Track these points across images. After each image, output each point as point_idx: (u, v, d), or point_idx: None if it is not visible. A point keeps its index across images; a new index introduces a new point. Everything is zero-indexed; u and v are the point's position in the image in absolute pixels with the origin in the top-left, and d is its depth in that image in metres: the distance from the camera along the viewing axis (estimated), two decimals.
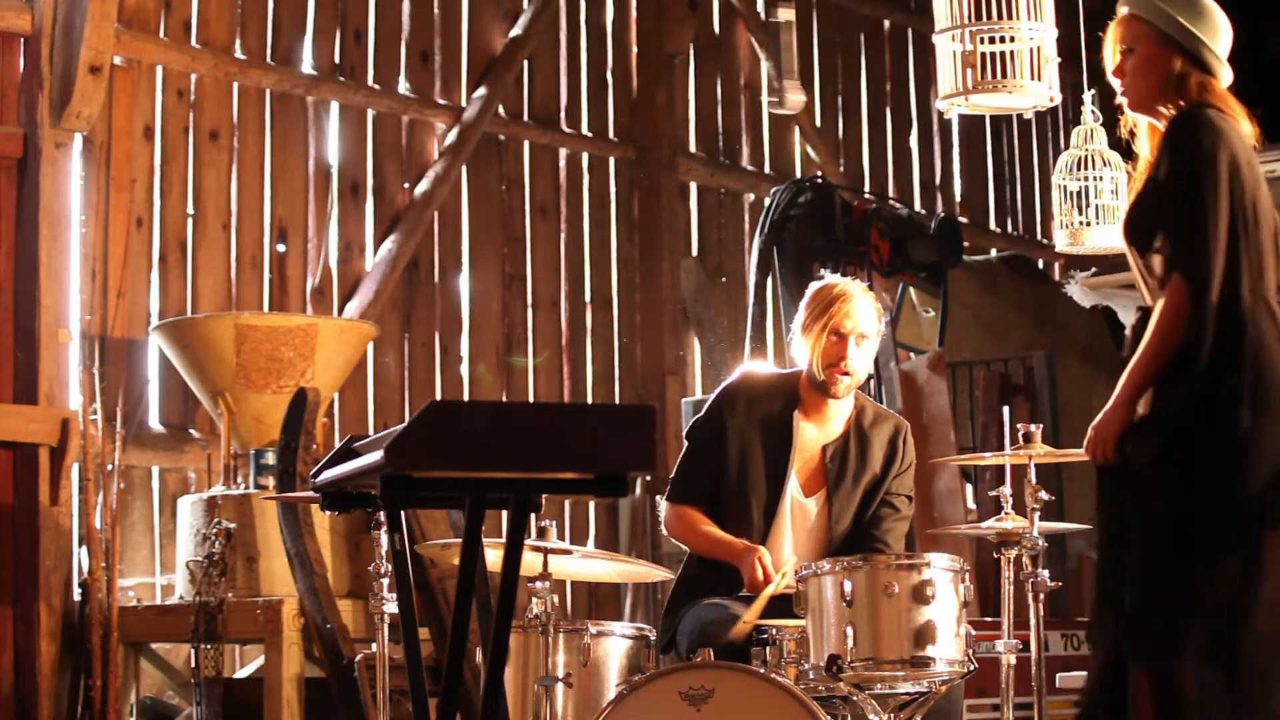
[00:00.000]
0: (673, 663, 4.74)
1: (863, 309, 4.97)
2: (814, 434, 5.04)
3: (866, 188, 10.67)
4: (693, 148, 10.04)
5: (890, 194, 10.82)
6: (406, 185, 8.75)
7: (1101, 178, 6.93)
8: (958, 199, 11.69)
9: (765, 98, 10.03)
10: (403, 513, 3.79)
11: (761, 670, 4.36)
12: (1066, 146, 7.26)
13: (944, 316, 9.08)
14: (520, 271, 9.18)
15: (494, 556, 4.28)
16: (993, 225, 11.87)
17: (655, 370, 9.52)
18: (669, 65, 9.80)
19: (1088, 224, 6.96)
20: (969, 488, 9.03)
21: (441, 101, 8.91)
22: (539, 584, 4.45)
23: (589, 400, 9.34)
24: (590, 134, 9.59)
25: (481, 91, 9.01)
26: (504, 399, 8.92)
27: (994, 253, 11.51)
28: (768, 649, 4.52)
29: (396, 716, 6.03)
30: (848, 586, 4.40)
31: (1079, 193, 6.97)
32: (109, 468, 6.88)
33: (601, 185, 9.63)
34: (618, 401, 9.46)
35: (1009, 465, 5.01)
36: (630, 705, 4.31)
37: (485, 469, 3.30)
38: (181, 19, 7.90)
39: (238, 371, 6.99)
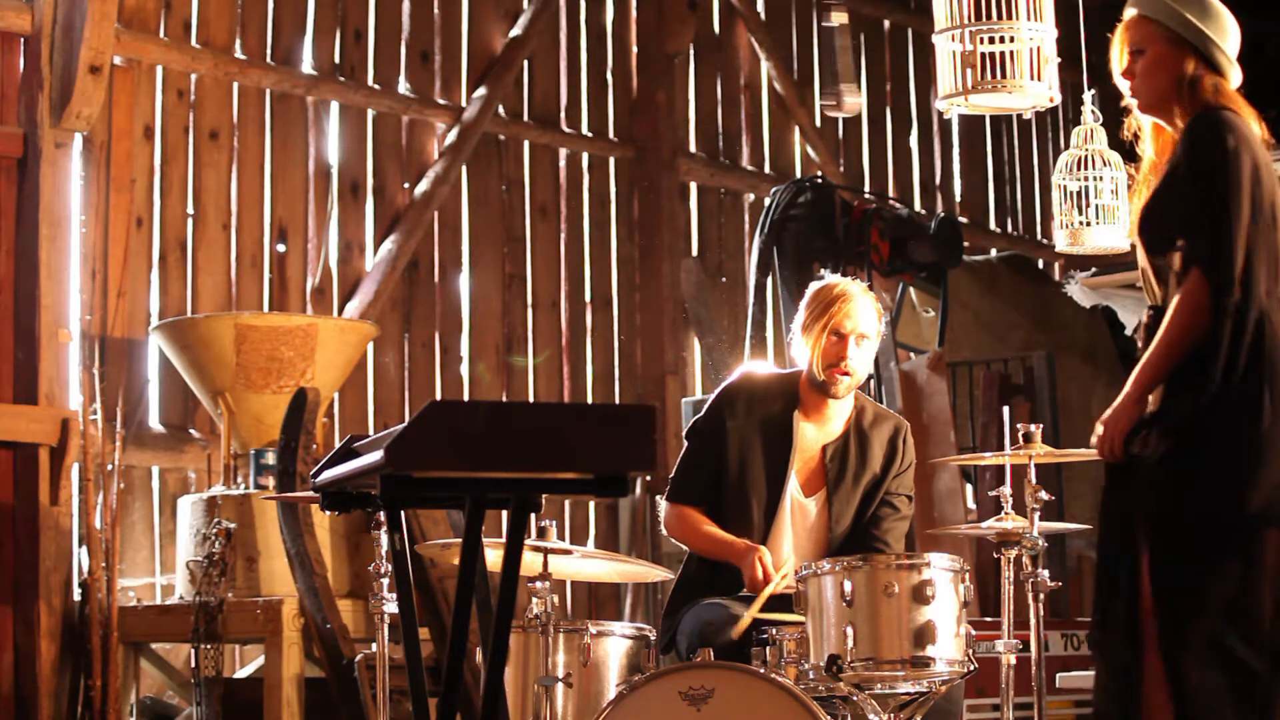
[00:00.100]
0: (673, 663, 4.74)
1: (863, 309, 4.97)
2: (814, 434, 5.04)
3: (866, 188, 10.67)
4: (693, 148, 10.04)
5: (890, 194, 10.81)
6: (406, 185, 8.75)
7: (1101, 178, 6.92)
8: (958, 199, 11.68)
9: (820, 101, 9.89)
10: (403, 513, 3.79)
11: (761, 670, 4.36)
12: (1066, 146, 7.25)
13: (944, 317, 9.08)
14: (520, 271, 9.17)
15: (494, 556, 4.28)
16: (993, 225, 11.87)
17: (655, 370, 9.52)
18: (669, 65, 9.79)
19: (1088, 224, 6.95)
20: (969, 488, 9.03)
21: (441, 101, 8.91)
22: (539, 584, 4.45)
23: (589, 400, 9.34)
24: (590, 134, 9.58)
25: (481, 91, 9.00)
26: (504, 399, 8.91)
27: (994, 253, 11.51)
28: (768, 649, 4.51)
29: (396, 716, 6.03)
30: (848, 586, 4.39)
31: (1079, 193, 6.96)
32: (109, 468, 6.88)
33: (601, 185, 9.62)
34: (618, 401, 9.45)
35: (1009, 465, 5.01)
36: (630, 705, 4.31)
37: (485, 469, 3.30)
38: (181, 19, 7.90)
39: (238, 371, 7.00)
